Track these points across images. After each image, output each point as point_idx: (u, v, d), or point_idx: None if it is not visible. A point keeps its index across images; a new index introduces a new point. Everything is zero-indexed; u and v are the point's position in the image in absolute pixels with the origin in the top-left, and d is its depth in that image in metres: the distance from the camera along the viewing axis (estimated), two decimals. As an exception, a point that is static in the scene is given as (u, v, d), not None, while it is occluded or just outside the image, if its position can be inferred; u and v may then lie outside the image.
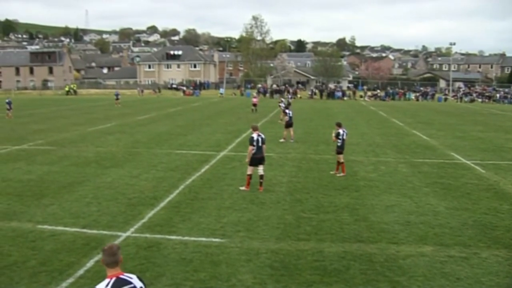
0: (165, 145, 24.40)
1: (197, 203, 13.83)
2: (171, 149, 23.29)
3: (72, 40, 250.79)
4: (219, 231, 11.41)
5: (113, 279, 4.97)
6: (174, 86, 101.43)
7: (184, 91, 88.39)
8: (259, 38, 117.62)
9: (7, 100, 41.88)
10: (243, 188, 15.36)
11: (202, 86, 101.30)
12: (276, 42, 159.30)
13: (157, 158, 20.86)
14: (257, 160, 15.10)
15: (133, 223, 11.96)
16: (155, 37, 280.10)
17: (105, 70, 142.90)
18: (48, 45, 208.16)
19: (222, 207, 13.43)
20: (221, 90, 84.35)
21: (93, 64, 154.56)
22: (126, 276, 5.06)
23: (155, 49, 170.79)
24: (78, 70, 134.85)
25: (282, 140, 25.91)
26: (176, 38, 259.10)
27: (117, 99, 56.26)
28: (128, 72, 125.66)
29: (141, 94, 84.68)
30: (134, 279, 5.07)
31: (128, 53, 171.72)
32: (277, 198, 14.43)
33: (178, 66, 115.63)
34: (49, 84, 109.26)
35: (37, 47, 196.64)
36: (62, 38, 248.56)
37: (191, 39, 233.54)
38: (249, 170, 15.26)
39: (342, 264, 9.56)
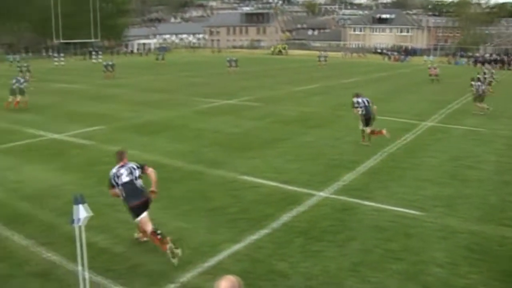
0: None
1: (397, 171, 13.59)
2: (372, 114, 23.06)
3: (283, 2, 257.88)
4: (416, 203, 11.11)
5: (120, 164, 8.23)
6: (381, 50, 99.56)
7: (390, 57, 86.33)
8: (477, 1, 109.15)
9: (234, 58, 45.50)
10: (386, 132, 16.21)
11: (411, 52, 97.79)
12: (496, 6, 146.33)
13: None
14: (368, 119, 16.30)
15: (331, 184, 12.21)
16: (365, 0, 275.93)
17: (312, 32, 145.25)
18: (259, 7, 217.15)
19: (421, 178, 13.03)
20: (429, 57, 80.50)
21: (302, 26, 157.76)
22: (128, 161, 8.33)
23: (364, 12, 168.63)
24: (288, 31, 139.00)
25: (481, 113, 23.99)
26: (387, 1, 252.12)
27: (323, 61, 56.88)
28: (335, 34, 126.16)
29: (345, 56, 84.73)
30: (133, 162, 8.36)
31: (336, 16, 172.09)
32: (482, 176, 13.52)
33: (388, 30, 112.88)
34: (259, 44, 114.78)
35: (249, 8, 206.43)
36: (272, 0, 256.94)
37: (402, 2, 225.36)
38: (368, 129, 16.35)
39: (553, 257, 8.70)
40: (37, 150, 15.95)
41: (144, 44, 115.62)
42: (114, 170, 8.16)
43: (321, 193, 11.49)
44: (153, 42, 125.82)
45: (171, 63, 62.87)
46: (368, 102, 16.39)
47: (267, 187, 11.90)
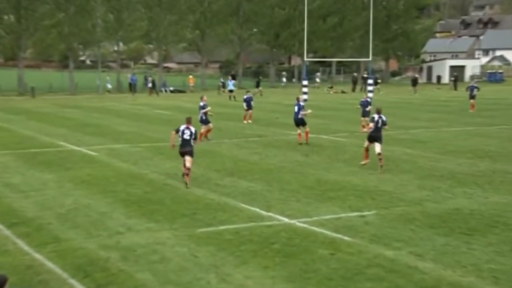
0: None
1: None
2: None
3: None
4: None
5: (186, 125, 24.89)
6: None
7: None
8: None
9: None
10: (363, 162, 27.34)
11: None
12: None
13: None
14: (372, 138, 27.21)
15: None
16: None
17: None
18: None
19: None
20: None
21: None
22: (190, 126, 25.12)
23: None
24: None
25: None
26: None
27: None
28: None
29: None
30: (193, 128, 24.98)
31: None
32: None
33: None
34: None
35: None
36: None
37: None
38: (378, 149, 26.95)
39: None
40: (258, 241, 16.30)
41: (458, 67, 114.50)
42: (183, 128, 23.97)
43: None
44: (477, 64, 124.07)
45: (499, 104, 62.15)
46: (381, 123, 26.79)
47: None
